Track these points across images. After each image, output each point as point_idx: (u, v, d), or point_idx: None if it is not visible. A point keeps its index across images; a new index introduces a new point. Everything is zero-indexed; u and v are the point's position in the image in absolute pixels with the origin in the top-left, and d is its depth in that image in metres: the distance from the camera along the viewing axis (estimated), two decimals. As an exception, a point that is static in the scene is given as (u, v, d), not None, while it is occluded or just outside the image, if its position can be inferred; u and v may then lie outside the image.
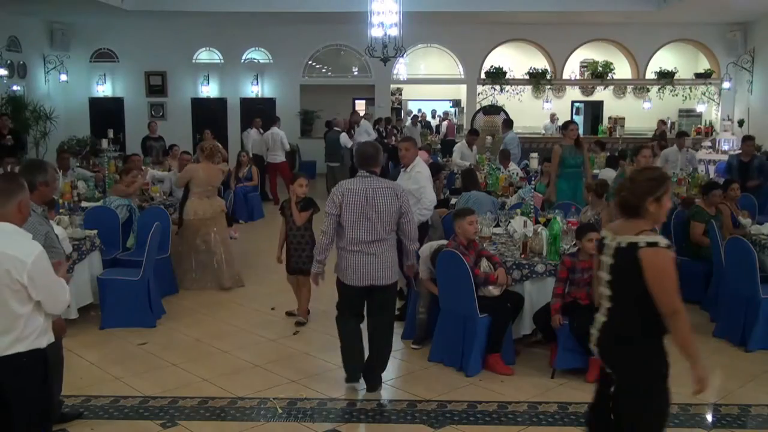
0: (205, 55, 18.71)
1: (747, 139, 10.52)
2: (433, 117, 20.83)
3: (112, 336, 6.41)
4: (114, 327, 6.54)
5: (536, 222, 6.52)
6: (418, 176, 6.68)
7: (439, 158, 13.40)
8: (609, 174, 9.63)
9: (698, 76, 18.45)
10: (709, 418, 4.90)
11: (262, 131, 14.75)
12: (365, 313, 5.29)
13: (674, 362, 5.90)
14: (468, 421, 4.71)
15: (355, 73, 18.89)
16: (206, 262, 7.93)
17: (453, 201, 8.41)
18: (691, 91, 18.58)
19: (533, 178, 10.15)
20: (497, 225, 6.92)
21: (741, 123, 16.99)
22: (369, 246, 4.95)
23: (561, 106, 19.04)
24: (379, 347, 5.22)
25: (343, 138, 14.26)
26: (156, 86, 18.61)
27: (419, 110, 21.17)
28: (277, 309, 7.20)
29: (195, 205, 7.91)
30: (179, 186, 8.45)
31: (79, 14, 16.38)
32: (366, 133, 14.41)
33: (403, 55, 14.44)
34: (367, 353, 5.29)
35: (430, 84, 19.91)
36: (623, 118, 18.15)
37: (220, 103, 18.62)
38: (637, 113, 18.81)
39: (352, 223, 4.93)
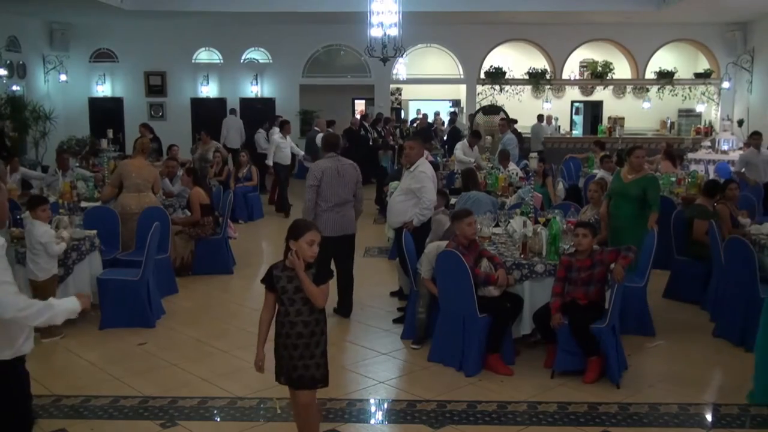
0: (205, 55, 18.71)
1: None
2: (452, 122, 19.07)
3: (112, 336, 6.41)
4: (113, 327, 6.53)
5: (536, 222, 6.51)
6: (420, 176, 6.69)
7: (439, 158, 13.40)
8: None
9: (698, 76, 18.46)
10: (709, 418, 4.90)
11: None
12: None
13: (673, 362, 5.94)
14: (468, 421, 4.70)
15: (355, 73, 18.86)
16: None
17: (453, 201, 8.41)
18: (690, 91, 18.60)
19: (532, 178, 10.18)
20: (497, 225, 6.92)
21: (740, 123, 16.99)
22: (340, 206, 6.76)
23: (561, 106, 19.04)
24: (347, 283, 6.98)
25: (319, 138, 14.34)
26: (156, 86, 18.61)
27: (418, 110, 21.15)
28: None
29: (124, 199, 7.96)
30: (114, 186, 8.20)
31: (79, 14, 16.38)
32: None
33: (402, 55, 14.45)
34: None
35: (429, 84, 19.90)
36: (623, 118, 18.17)
37: (219, 103, 18.62)
38: (636, 113, 18.82)
39: (328, 191, 6.70)
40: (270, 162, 12.90)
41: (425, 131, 16.85)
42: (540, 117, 17.23)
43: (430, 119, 19.26)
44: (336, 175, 6.75)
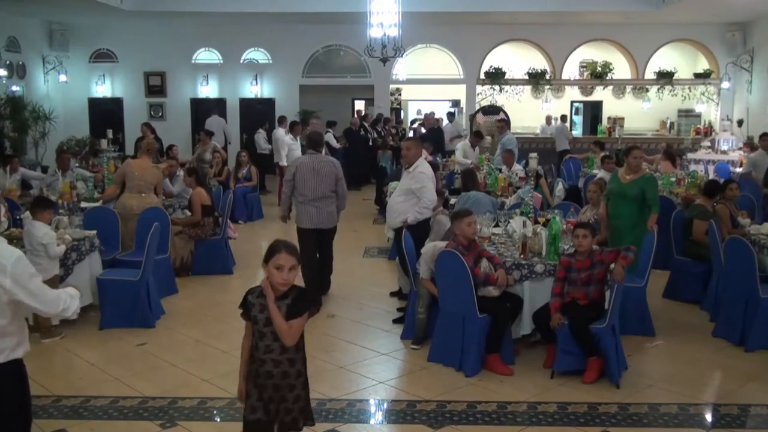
0: (205, 56, 18.70)
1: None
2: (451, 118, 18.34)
3: (112, 336, 6.41)
4: (113, 327, 6.53)
5: (535, 222, 6.51)
6: (420, 176, 6.72)
7: (439, 159, 13.40)
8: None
9: (697, 76, 18.45)
10: (709, 418, 4.90)
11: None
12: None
13: (673, 362, 5.95)
14: (467, 421, 4.70)
15: (355, 73, 18.84)
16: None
17: (452, 201, 8.41)
18: (690, 91, 18.58)
19: (532, 178, 10.17)
20: (496, 225, 6.92)
21: (740, 123, 16.99)
22: (317, 201, 7.15)
23: (560, 106, 19.03)
24: (327, 270, 7.59)
25: (327, 137, 14.39)
26: (155, 86, 18.60)
27: (418, 111, 21.13)
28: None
29: (125, 199, 7.95)
30: (117, 184, 8.23)
31: (79, 14, 16.37)
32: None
33: (402, 55, 14.44)
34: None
35: (429, 84, 19.90)
36: (623, 118, 18.15)
37: (219, 104, 18.62)
38: (636, 113, 18.82)
39: (303, 185, 7.12)
40: (284, 162, 12.89)
41: (434, 132, 16.75)
42: (563, 117, 17.35)
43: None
44: (311, 171, 7.15)
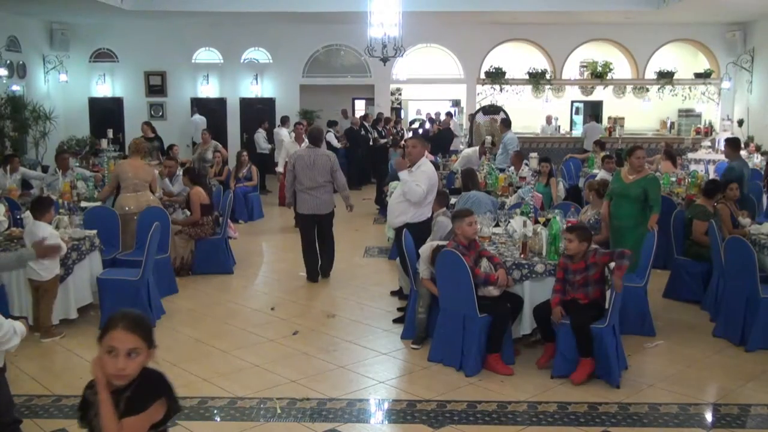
0: (205, 55, 18.71)
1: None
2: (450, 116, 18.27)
3: (112, 336, 6.40)
4: (113, 327, 6.52)
5: (536, 222, 6.51)
6: (420, 175, 6.71)
7: (439, 159, 13.40)
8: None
9: (698, 75, 18.45)
10: (709, 417, 4.90)
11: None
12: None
13: (673, 362, 5.95)
14: (468, 421, 4.70)
15: (355, 73, 18.85)
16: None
17: (453, 201, 8.41)
18: (690, 91, 18.58)
19: (533, 178, 10.15)
20: (497, 225, 6.92)
21: (741, 123, 17.00)
22: (312, 190, 7.99)
23: (561, 105, 19.04)
24: (327, 255, 8.33)
25: (329, 137, 14.40)
26: (156, 86, 18.61)
27: (417, 111, 21.13)
28: (276, 309, 7.21)
29: (122, 200, 8.05)
30: (112, 187, 8.40)
31: (79, 14, 16.37)
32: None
33: (402, 55, 14.45)
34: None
35: (429, 84, 19.91)
36: (623, 118, 18.16)
37: (219, 103, 18.63)
38: (636, 113, 18.82)
39: (301, 175, 8.00)
40: (280, 168, 12.77)
41: (447, 132, 16.68)
42: (591, 116, 17.39)
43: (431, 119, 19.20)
44: (309, 164, 8.00)
